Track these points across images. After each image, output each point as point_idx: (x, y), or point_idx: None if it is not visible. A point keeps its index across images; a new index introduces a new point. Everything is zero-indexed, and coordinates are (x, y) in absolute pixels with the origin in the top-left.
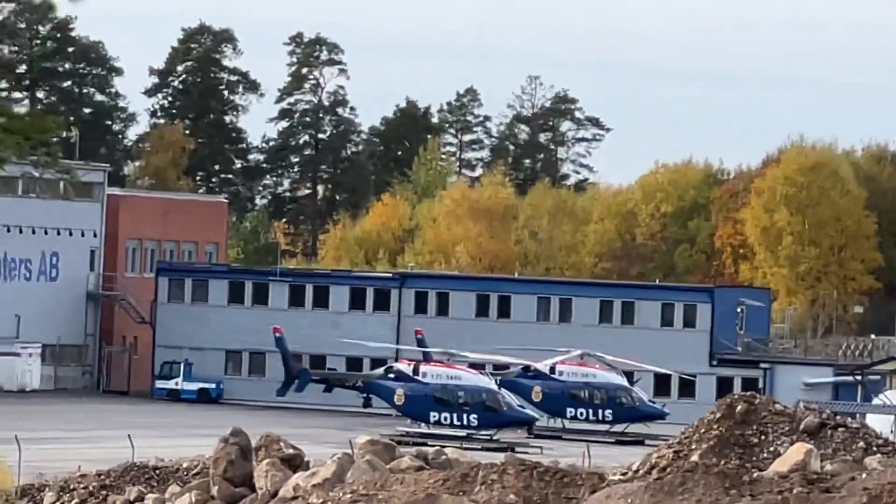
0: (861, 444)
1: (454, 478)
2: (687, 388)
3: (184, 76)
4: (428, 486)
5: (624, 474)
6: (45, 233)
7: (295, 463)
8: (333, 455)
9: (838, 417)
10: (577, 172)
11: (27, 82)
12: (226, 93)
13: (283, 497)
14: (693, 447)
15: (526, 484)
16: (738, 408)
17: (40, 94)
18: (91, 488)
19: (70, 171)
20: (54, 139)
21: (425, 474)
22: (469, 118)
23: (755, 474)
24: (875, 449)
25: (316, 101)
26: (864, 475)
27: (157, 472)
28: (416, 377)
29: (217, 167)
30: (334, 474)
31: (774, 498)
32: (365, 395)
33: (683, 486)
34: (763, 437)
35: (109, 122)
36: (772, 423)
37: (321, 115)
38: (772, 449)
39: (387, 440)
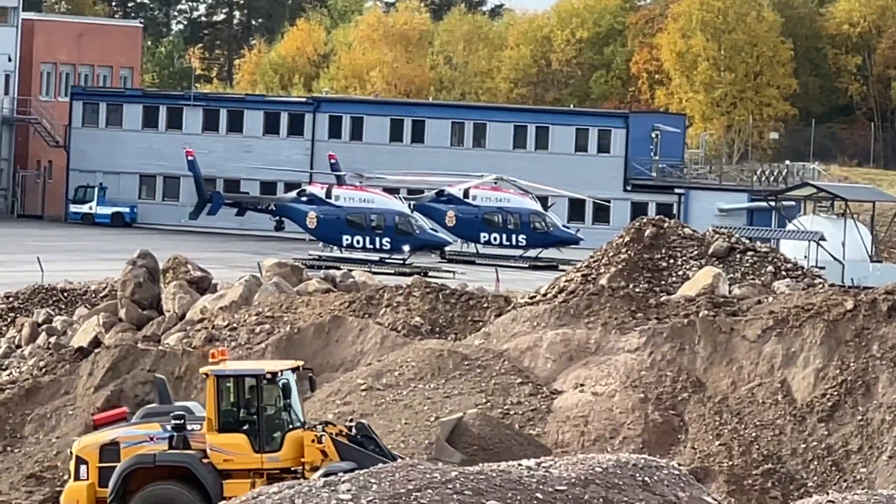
0: (770, 268)
1: (360, 300)
2: (601, 213)
3: None
4: (333, 308)
5: (531, 298)
6: None
7: (202, 285)
8: (241, 277)
9: (747, 242)
10: None
11: None
12: None
13: (191, 319)
14: (602, 271)
15: (431, 306)
16: (647, 231)
17: None
18: None
19: None
20: None
21: (331, 296)
22: None
23: (662, 297)
24: (784, 273)
25: None
26: (770, 299)
27: (66, 294)
28: (328, 200)
29: None
30: (241, 297)
31: (680, 321)
32: (277, 218)
33: (589, 308)
34: (672, 261)
35: None
36: (681, 247)
37: None
38: (680, 273)
39: (294, 262)
